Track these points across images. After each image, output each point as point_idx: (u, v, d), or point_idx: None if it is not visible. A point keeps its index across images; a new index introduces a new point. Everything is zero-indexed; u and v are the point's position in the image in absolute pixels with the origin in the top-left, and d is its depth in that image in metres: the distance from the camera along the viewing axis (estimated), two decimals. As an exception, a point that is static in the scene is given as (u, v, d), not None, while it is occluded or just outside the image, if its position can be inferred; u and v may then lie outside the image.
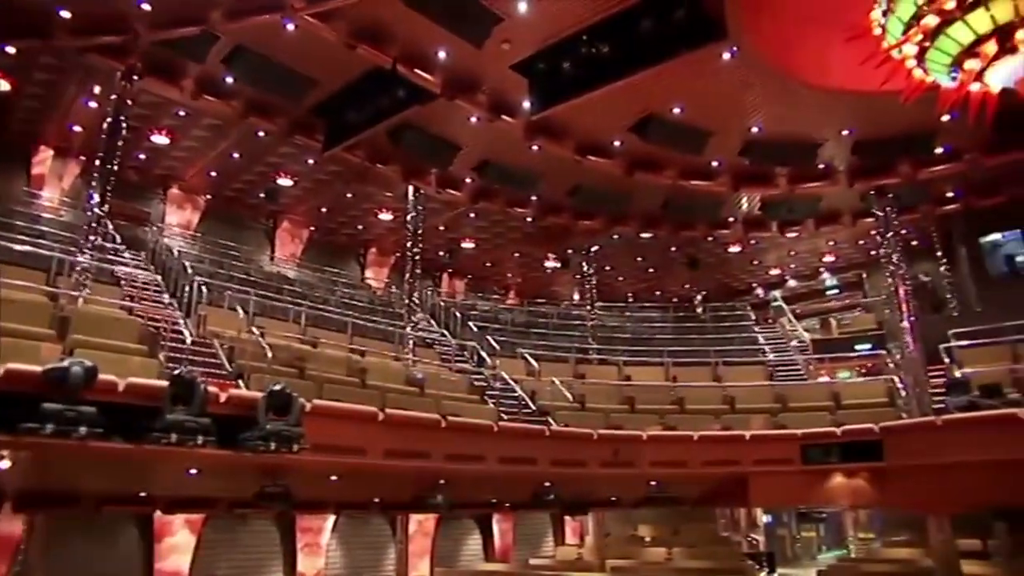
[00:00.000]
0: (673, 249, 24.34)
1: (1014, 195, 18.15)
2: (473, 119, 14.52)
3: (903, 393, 16.19)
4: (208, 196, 20.63)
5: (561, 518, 23.35)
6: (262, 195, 20.48)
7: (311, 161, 18.18)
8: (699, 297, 28.65)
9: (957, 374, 15.78)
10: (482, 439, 11.35)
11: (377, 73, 12.96)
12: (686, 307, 28.70)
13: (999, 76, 8.67)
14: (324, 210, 21.81)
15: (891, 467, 12.84)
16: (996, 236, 21.17)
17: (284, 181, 19.53)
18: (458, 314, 22.09)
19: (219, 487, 10.88)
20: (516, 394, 16.55)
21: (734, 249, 24.58)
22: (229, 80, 13.74)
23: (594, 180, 17.11)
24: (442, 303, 23.54)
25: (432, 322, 22.17)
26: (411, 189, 17.97)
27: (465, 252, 24.96)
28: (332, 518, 17.08)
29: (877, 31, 9.51)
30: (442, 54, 12.50)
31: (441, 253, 24.68)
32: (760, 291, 29.32)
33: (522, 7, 11.32)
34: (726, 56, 12.32)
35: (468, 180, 17.74)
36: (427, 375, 14.91)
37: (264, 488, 8.74)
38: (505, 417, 14.37)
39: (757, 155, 15.73)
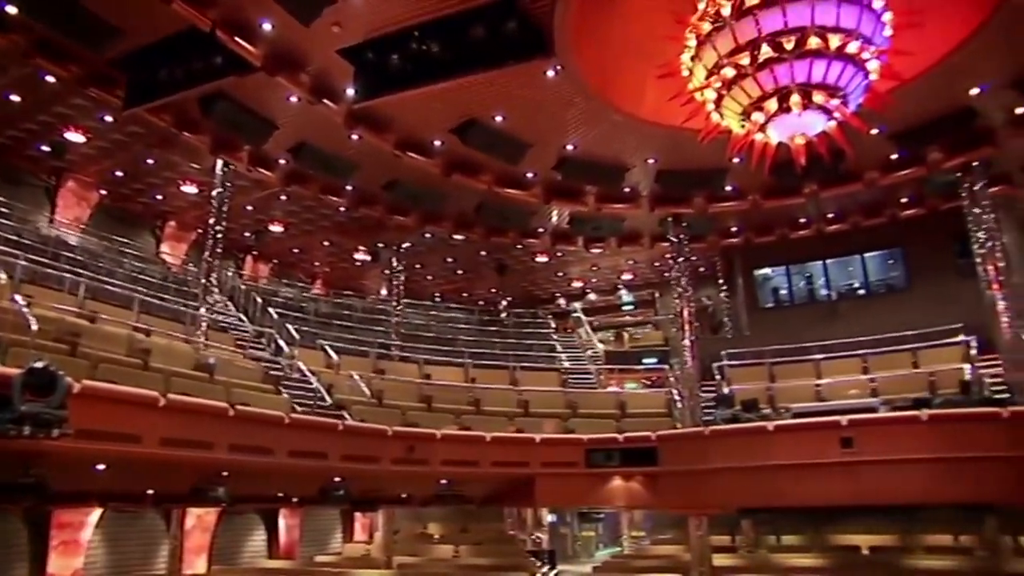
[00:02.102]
0: (483, 253, 25.02)
1: (783, 236, 20.64)
2: (293, 99, 13.93)
3: (679, 405, 17.71)
4: (-26, 142, 18.07)
5: (351, 514, 23.07)
6: (46, 148, 18.30)
7: (108, 118, 16.52)
8: (504, 302, 29.52)
9: (725, 390, 17.62)
10: (272, 431, 11.00)
11: (193, 34, 11.97)
12: (491, 311, 29.49)
13: (777, 130, 9.86)
14: (119, 174, 19.89)
15: (663, 472, 14.08)
16: (767, 270, 23.96)
17: (74, 136, 17.53)
18: (259, 299, 21.09)
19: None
20: (312, 386, 16.08)
21: (541, 259, 25.74)
22: (11, 10, 12.06)
23: (411, 177, 17.06)
24: (243, 286, 22.37)
25: (230, 305, 21.00)
26: (220, 163, 16.86)
27: (272, 235, 23.95)
28: (97, 512, 15.58)
29: (685, 73, 10.39)
30: (267, 26, 11.86)
31: (247, 234, 23.52)
32: (562, 301, 30.87)
33: (356, -8, 11.07)
34: (551, 73, 12.81)
35: (282, 161, 16.98)
36: (219, 360, 14.10)
37: (14, 479, 7.82)
38: (299, 409, 13.93)
39: (570, 171, 16.50)
